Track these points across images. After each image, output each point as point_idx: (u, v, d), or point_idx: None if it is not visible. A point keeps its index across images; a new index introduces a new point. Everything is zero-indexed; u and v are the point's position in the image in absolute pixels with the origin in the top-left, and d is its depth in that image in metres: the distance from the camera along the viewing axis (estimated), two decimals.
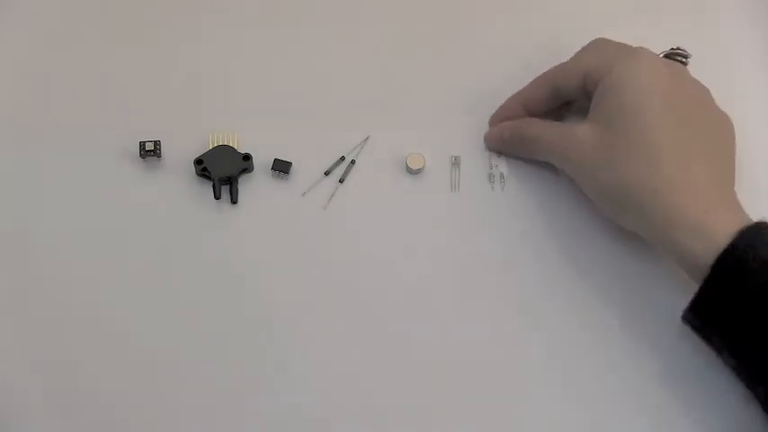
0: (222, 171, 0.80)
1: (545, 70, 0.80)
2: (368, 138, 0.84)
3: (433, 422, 0.75)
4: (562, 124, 0.79)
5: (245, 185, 0.82)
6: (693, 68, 0.76)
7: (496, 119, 0.81)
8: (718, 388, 0.74)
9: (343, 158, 0.83)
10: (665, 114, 0.70)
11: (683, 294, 0.70)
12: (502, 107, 0.81)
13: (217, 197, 0.80)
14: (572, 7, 0.89)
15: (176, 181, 0.82)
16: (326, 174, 0.83)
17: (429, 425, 0.75)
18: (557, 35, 0.86)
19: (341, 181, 0.82)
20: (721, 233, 0.66)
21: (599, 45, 0.76)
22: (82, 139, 0.83)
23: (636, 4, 0.89)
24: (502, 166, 0.82)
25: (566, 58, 0.79)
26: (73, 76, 0.85)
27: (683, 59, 0.76)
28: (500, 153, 0.82)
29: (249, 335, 0.77)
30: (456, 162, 0.83)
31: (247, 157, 0.81)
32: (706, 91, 0.74)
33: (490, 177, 0.82)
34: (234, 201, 0.81)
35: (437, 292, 0.79)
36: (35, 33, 0.87)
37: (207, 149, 0.81)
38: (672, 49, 0.77)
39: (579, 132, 0.73)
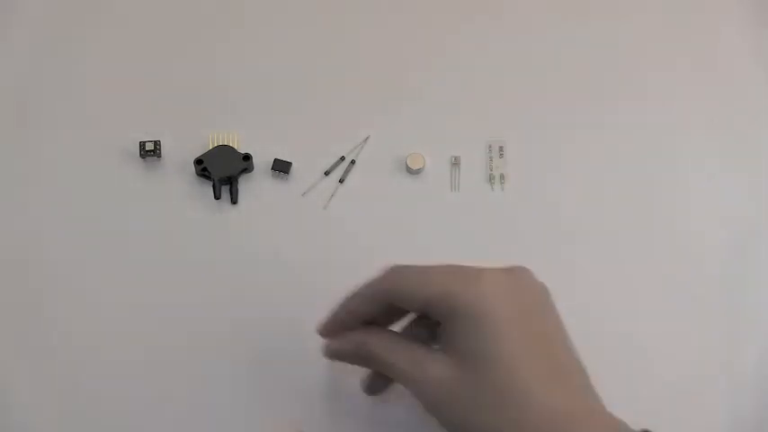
0: (222, 171, 0.80)
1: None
2: (368, 138, 0.84)
3: None
4: (414, 348, 0.64)
5: (245, 185, 0.82)
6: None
7: (330, 328, 0.68)
8: None
9: (343, 158, 0.83)
10: (525, 352, 0.61)
11: None
12: (334, 316, 0.68)
13: (217, 197, 0.80)
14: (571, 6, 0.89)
15: (176, 181, 0.82)
16: (326, 174, 0.83)
17: None
18: (555, 32, 0.86)
19: (341, 181, 0.82)
20: None
21: (439, 271, 0.65)
22: (82, 139, 0.83)
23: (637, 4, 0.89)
24: (502, 166, 0.82)
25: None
26: (73, 77, 0.85)
27: None
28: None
29: (249, 334, 0.77)
30: (456, 162, 0.83)
31: (247, 157, 0.81)
32: (545, 289, 0.67)
33: (490, 177, 0.82)
34: (234, 201, 0.81)
35: None
36: (35, 34, 0.87)
37: (207, 149, 0.81)
38: None
39: (434, 371, 0.62)
